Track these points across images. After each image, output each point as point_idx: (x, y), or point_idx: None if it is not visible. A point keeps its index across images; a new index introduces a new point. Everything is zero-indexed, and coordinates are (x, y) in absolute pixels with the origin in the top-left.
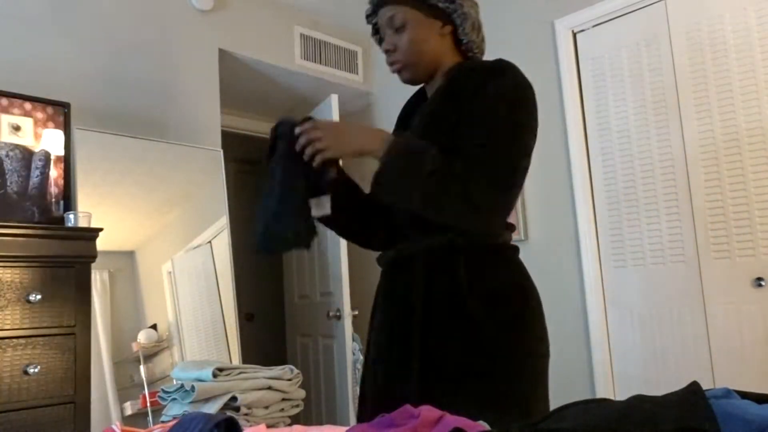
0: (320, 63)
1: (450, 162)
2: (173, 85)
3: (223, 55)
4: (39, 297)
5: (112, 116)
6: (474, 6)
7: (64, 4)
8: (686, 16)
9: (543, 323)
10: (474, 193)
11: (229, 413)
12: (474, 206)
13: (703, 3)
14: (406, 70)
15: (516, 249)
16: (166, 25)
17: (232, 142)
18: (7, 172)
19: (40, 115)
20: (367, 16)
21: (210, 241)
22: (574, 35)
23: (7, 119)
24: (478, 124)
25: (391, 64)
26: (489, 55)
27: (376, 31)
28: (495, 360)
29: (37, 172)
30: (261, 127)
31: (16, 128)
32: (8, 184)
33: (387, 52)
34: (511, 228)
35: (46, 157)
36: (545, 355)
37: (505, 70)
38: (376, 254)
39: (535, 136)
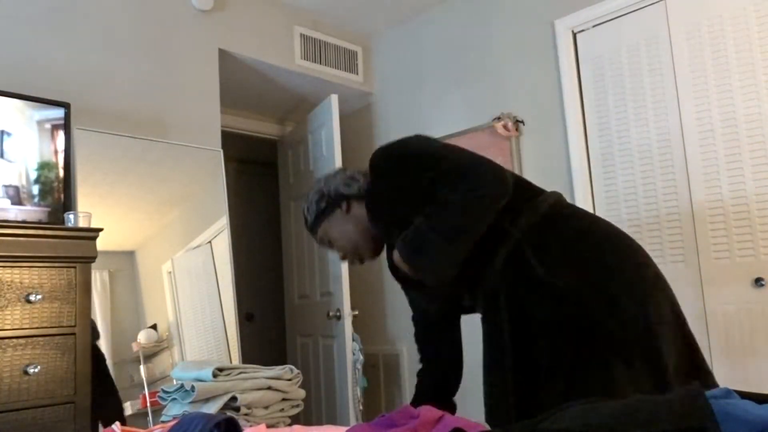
0: (320, 63)
1: (432, 210)
2: (173, 85)
3: (223, 55)
4: (39, 297)
5: (112, 116)
6: (335, 176)
7: (64, 4)
8: (686, 16)
9: (625, 254)
10: (460, 196)
11: (229, 413)
12: (492, 177)
13: (703, 3)
14: (365, 256)
15: (551, 204)
16: (166, 25)
17: (232, 142)
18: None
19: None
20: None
21: (210, 241)
22: (574, 35)
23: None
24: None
25: (354, 263)
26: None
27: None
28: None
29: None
30: (261, 127)
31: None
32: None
33: (344, 259)
34: (529, 193)
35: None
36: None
37: (372, 167)
38: None
39: (438, 146)
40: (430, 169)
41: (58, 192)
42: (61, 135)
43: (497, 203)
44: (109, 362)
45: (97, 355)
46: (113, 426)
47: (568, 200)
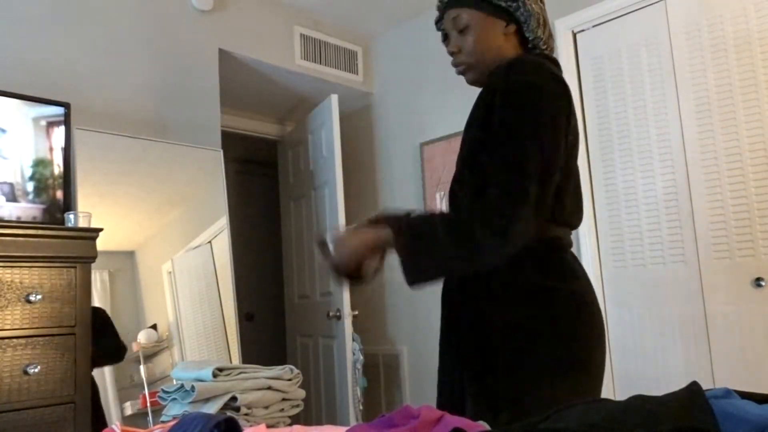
0: (320, 63)
1: (454, 215)
2: (173, 85)
3: (223, 55)
4: (39, 297)
5: (112, 116)
6: (537, 2)
7: (64, 4)
8: (686, 16)
9: (572, 332)
10: (492, 220)
11: (229, 413)
12: (500, 231)
13: (703, 3)
14: (471, 72)
15: (555, 246)
16: (166, 25)
17: (232, 142)
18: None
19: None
20: (436, 22)
21: (210, 241)
22: (574, 35)
23: None
24: (484, 142)
25: (456, 65)
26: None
27: (445, 36)
28: (498, 358)
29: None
30: (261, 127)
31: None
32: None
33: (452, 54)
34: (561, 221)
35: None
36: (565, 371)
37: (507, 72)
38: None
39: (544, 125)
40: (505, 139)
41: (53, 189)
42: (56, 132)
43: (512, 244)
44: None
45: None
46: (113, 426)
47: None
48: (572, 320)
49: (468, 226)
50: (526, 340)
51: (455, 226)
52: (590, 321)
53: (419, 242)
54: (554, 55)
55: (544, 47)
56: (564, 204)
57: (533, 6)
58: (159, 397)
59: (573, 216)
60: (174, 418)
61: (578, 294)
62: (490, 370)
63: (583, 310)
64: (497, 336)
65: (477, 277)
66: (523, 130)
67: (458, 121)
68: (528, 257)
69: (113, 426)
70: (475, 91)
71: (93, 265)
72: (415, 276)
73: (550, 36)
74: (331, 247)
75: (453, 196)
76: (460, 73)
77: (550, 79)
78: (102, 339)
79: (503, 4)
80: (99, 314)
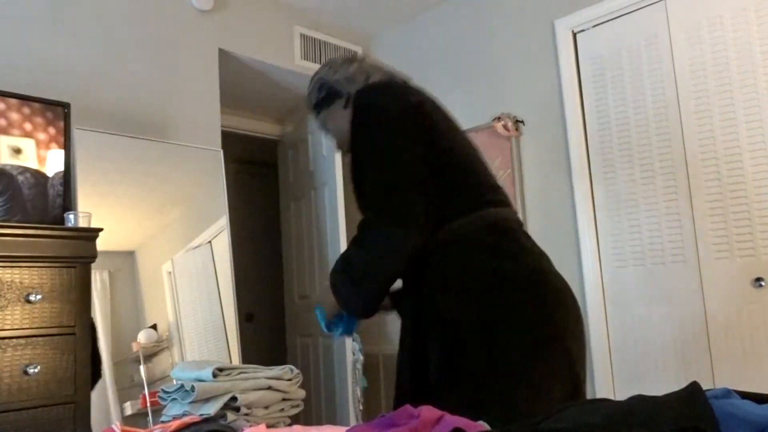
0: (320, 63)
1: (344, 253)
2: (173, 85)
3: (223, 55)
4: (39, 297)
5: (112, 116)
6: (343, 65)
7: (63, 4)
8: (686, 16)
9: (529, 308)
10: (367, 240)
11: (229, 413)
12: (383, 246)
13: (703, 3)
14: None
15: (498, 229)
16: (166, 25)
17: (232, 142)
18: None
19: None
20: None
21: (210, 241)
22: (574, 35)
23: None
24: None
25: (347, 156)
26: (491, 55)
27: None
28: (468, 359)
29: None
30: (261, 127)
31: (17, 151)
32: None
33: (339, 149)
34: (490, 203)
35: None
36: (532, 346)
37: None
38: None
39: (390, 133)
40: (368, 171)
41: (58, 192)
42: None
43: (403, 250)
44: (109, 362)
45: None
46: (113, 425)
47: (568, 200)
48: (535, 299)
49: (348, 259)
50: (493, 331)
51: (345, 262)
52: (553, 294)
53: (336, 294)
54: (401, 78)
55: (375, 78)
56: (480, 187)
57: (340, 75)
58: (159, 397)
59: (498, 194)
60: (174, 418)
61: (535, 270)
62: (462, 371)
63: (543, 285)
64: (462, 332)
65: (427, 275)
66: (367, 148)
67: (458, 121)
68: (475, 245)
69: (113, 426)
70: (476, 92)
71: (93, 265)
72: (355, 313)
73: (369, 72)
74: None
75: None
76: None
77: (389, 98)
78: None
79: (324, 94)
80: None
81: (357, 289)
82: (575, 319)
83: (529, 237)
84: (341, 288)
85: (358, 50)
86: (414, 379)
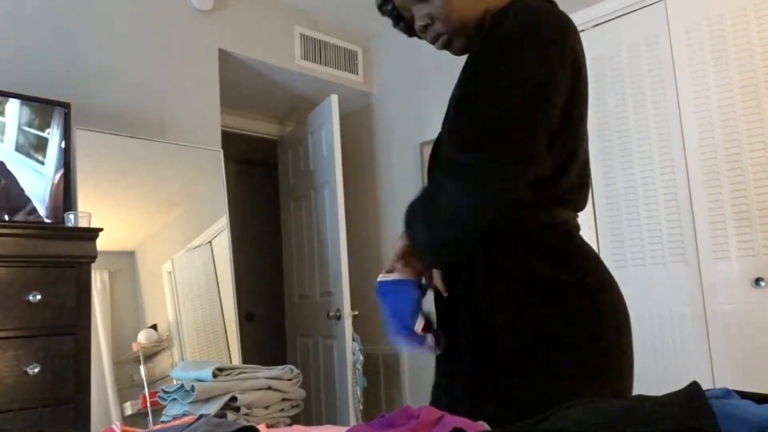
0: (320, 63)
1: (428, 185)
2: (173, 85)
3: (223, 55)
4: (39, 297)
5: (112, 116)
6: None
7: (64, 4)
8: (686, 16)
9: (592, 334)
10: (467, 169)
11: (229, 413)
12: (470, 187)
13: (703, 3)
14: (457, 39)
15: (560, 232)
16: (166, 25)
17: (232, 142)
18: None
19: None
20: (379, 7)
21: (210, 241)
22: None
23: None
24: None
25: (434, 40)
26: None
27: (396, 20)
28: (511, 380)
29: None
30: (261, 127)
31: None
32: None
33: (424, 28)
34: (567, 201)
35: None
36: (587, 379)
37: (505, 16)
38: (375, 255)
39: (535, 78)
40: (493, 90)
41: (58, 192)
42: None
43: (504, 205)
44: (109, 362)
45: None
46: (113, 425)
47: None
48: (592, 319)
49: (431, 194)
50: (538, 348)
51: (430, 188)
52: (613, 318)
53: (413, 223)
54: None
55: None
56: (571, 180)
57: None
58: (159, 397)
59: (580, 196)
60: (174, 418)
61: (597, 288)
62: (495, 389)
63: (604, 306)
64: (502, 344)
65: (472, 273)
66: (505, 76)
67: None
68: (532, 246)
69: (113, 426)
70: None
71: (93, 265)
72: (427, 255)
73: None
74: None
75: (432, 158)
76: (442, 46)
77: (552, 17)
78: None
79: None
80: None
81: (434, 228)
82: (630, 345)
83: (589, 246)
84: (416, 225)
85: (358, 50)
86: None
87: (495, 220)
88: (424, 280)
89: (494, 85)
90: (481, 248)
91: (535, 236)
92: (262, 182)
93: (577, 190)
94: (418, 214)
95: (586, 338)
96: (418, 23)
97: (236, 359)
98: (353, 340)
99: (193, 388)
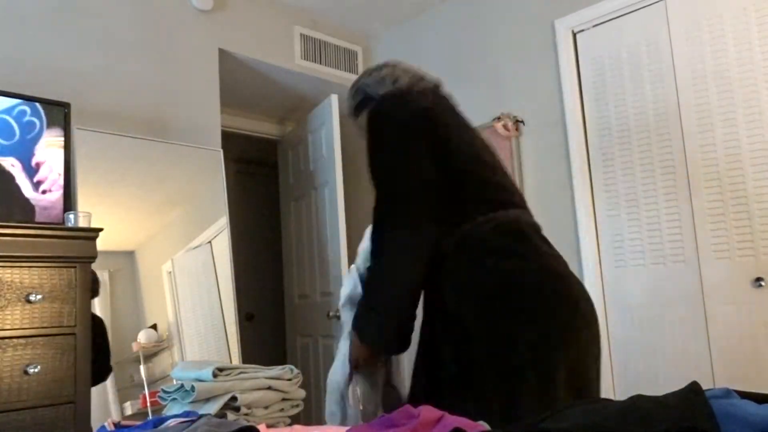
0: (320, 63)
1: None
2: (173, 85)
3: (223, 55)
4: (39, 297)
5: (112, 116)
6: (375, 70)
7: (64, 4)
8: (686, 16)
9: (549, 308)
10: (379, 246)
11: (229, 413)
12: (396, 248)
13: (703, 3)
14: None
15: (506, 231)
16: (166, 25)
17: (232, 142)
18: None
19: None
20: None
21: (210, 241)
22: (574, 35)
23: None
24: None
25: None
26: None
27: None
28: (477, 358)
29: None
30: (261, 127)
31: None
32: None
33: None
34: (482, 207)
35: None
36: (537, 343)
37: (369, 120)
38: None
39: (397, 140)
40: (378, 178)
41: (58, 192)
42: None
43: (420, 257)
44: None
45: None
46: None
47: (568, 200)
48: (544, 295)
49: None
50: (504, 326)
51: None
52: (561, 293)
53: (359, 331)
54: (427, 81)
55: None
56: (474, 192)
57: (375, 75)
58: (159, 397)
59: (496, 200)
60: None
61: (546, 268)
62: (471, 369)
63: (553, 282)
64: (473, 331)
65: (441, 279)
66: (380, 161)
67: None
68: (483, 249)
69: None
70: (476, 92)
71: (93, 265)
72: (386, 343)
73: (396, 73)
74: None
75: None
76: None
77: (398, 105)
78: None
79: (359, 99)
80: (97, 328)
81: (378, 309)
82: (583, 318)
83: (544, 239)
84: (361, 317)
85: (358, 50)
86: (429, 382)
87: (420, 274)
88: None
89: (375, 176)
90: (450, 258)
91: (486, 239)
92: (262, 182)
93: (507, 192)
94: (360, 314)
95: (537, 313)
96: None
97: (236, 359)
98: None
99: (193, 388)
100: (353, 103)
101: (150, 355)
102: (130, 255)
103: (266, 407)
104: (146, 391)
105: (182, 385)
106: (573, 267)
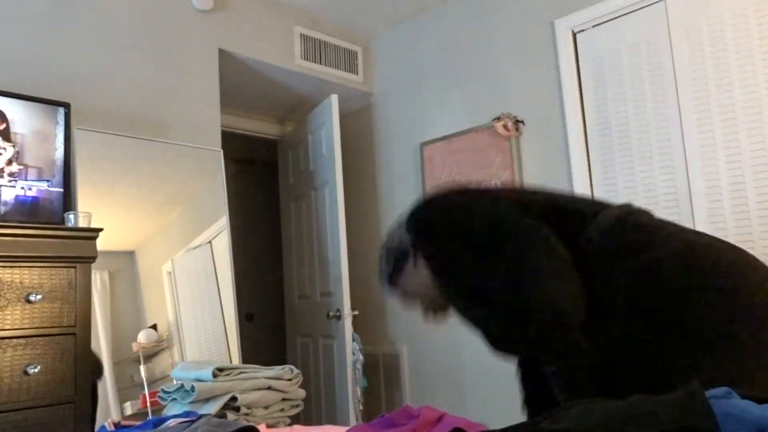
0: (320, 63)
1: None
2: (173, 85)
3: (223, 55)
4: (39, 297)
5: (112, 116)
6: (393, 231)
7: (63, 4)
8: (686, 16)
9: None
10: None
11: (229, 413)
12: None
13: (703, 3)
14: (444, 307)
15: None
16: (166, 25)
17: (232, 142)
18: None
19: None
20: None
21: (210, 241)
22: (574, 35)
23: None
24: None
25: (437, 314)
26: (491, 55)
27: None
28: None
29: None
30: (261, 127)
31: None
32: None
33: (426, 311)
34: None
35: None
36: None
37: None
38: (375, 255)
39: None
40: (485, 267)
41: (58, 192)
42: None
43: (572, 331)
44: (109, 362)
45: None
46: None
47: None
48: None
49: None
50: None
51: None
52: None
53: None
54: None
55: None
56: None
57: (397, 234)
58: (159, 397)
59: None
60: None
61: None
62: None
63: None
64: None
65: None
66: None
67: (458, 121)
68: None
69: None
70: (476, 92)
71: (93, 265)
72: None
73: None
74: None
75: None
76: (440, 320)
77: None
78: None
79: (392, 263)
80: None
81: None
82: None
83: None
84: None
85: (358, 50)
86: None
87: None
88: None
89: None
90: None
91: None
92: (262, 182)
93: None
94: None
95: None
96: (422, 309)
97: (236, 359)
98: (353, 340)
99: (193, 388)
100: (387, 270)
101: (150, 355)
102: (130, 255)
103: (266, 407)
104: (146, 391)
105: (182, 385)
106: None
